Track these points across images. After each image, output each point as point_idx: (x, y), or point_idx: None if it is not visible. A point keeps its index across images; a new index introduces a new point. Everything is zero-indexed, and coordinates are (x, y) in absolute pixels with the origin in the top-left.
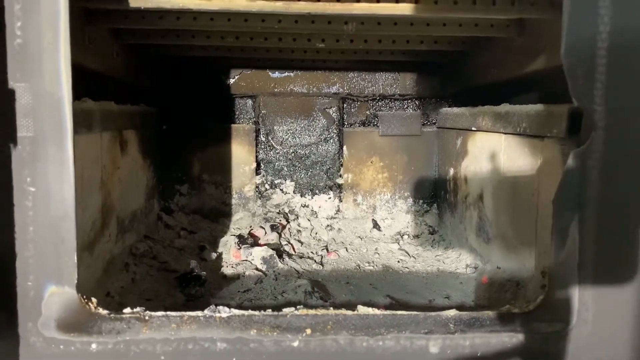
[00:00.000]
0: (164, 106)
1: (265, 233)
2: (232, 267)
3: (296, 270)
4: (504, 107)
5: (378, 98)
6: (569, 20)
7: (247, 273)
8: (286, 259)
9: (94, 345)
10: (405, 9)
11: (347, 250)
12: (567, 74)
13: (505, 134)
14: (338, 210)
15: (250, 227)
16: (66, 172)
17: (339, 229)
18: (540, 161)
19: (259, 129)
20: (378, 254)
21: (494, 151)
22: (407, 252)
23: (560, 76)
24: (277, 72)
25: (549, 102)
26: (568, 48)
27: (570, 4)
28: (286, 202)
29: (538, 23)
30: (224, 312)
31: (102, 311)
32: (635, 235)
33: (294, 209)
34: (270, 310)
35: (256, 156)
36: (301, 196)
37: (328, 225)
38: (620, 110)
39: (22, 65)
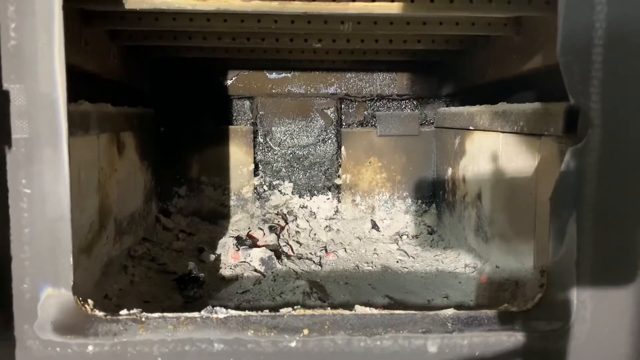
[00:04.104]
0: (162, 108)
1: (264, 234)
2: (231, 268)
3: (295, 271)
4: (502, 106)
5: (376, 98)
6: (564, 17)
7: (245, 274)
8: (285, 260)
9: (90, 347)
10: (401, 7)
11: (345, 250)
12: (563, 71)
13: (503, 132)
14: (337, 211)
15: (249, 228)
16: (61, 173)
17: (338, 229)
18: (538, 159)
19: (256, 130)
20: (377, 254)
21: (492, 150)
22: (406, 252)
23: (557, 74)
24: (274, 73)
25: (546, 100)
26: (564, 46)
27: (565, 1)
28: (285, 203)
29: (535, 21)
30: (221, 313)
31: (99, 313)
32: (632, 232)
33: (292, 210)
34: (267, 310)
35: (254, 157)
36: (300, 197)
37: (327, 226)
38: (616, 108)
39: (17, 66)
